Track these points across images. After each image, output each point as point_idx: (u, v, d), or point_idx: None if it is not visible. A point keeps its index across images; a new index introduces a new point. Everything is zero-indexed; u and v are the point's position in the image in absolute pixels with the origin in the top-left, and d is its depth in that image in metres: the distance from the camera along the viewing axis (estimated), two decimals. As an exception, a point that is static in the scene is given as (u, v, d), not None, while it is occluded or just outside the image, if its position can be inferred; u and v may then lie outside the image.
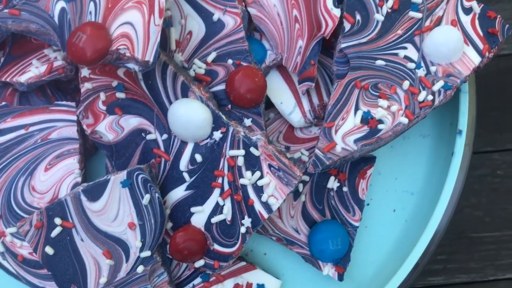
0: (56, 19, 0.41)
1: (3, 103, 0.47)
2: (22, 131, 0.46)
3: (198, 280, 0.45)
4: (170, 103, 0.43)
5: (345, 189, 0.46)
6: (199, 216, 0.42)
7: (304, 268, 0.46)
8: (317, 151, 0.41)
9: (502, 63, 0.72)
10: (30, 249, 0.44)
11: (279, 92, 0.47)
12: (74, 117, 0.46)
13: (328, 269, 0.45)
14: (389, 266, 0.46)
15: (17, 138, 0.46)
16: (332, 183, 0.45)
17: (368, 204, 0.48)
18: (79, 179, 0.45)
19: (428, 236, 0.45)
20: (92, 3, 0.41)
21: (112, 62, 0.40)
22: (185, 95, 0.42)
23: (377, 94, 0.42)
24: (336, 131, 0.41)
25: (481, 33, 0.44)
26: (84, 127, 0.45)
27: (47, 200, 0.45)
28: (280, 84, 0.47)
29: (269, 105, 0.47)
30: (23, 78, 0.46)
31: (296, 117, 0.46)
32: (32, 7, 0.42)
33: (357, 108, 0.42)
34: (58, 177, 0.45)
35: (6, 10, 0.42)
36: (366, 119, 0.41)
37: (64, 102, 0.46)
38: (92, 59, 0.38)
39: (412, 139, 0.49)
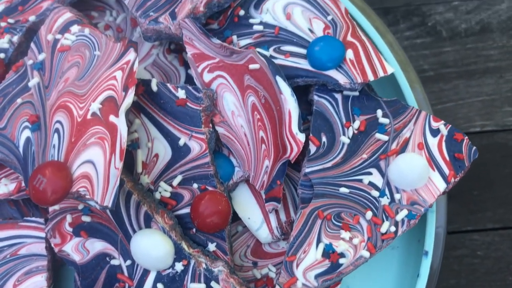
0: (20, 149, 0.42)
1: (-23, 215, 0.48)
2: (-8, 246, 0.47)
3: None
4: (134, 231, 0.43)
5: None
6: None
7: None
8: (277, 287, 0.41)
9: (484, 140, 0.72)
10: None
11: (247, 207, 0.47)
12: (43, 234, 0.46)
13: None
14: None
15: (-14, 253, 0.47)
16: (298, 302, 0.45)
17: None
18: (47, 297, 0.46)
19: None
20: (56, 135, 0.41)
21: (74, 198, 0.40)
22: (148, 224, 0.43)
23: (340, 224, 0.42)
24: (297, 265, 0.41)
25: (447, 158, 0.44)
26: (52, 245, 0.45)
27: (15, 318, 0.45)
28: (248, 199, 0.47)
29: (237, 217, 0.48)
30: (-8, 194, 0.46)
31: (263, 234, 0.47)
32: (-1, 135, 0.43)
33: (319, 241, 0.42)
34: (26, 294, 0.46)
35: (-28, 138, 0.43)
36: (328, 252, 0.41)
37: (33, 218, 0.47)
38: (52, 202, 0.38)
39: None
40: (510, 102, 0.73)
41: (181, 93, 0.44)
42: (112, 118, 0.41)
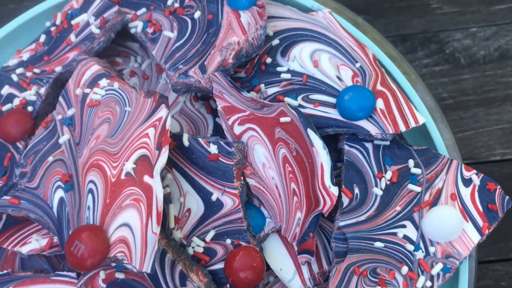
0: (54, 210, 0.42)
1: (5, 271, 0.48)
2: (24, 301, 0.47)
3: None
4: (168, 286, 0.43)
5: None
6: None
7: None
8: None
9: (505, 168, 0.72)
10: None
11: (278, 258, 0.47)
12: (75, 289, 0.46)
13: None
14: None
15: (19, 308, 0.47)
16: None
17: None
18: None
19: None
20: (90, 196, 0.41)
21: (110, 262, 0.40)
22: (183, 283, 0.42)
23: (376, 280, 0.42)
24: (335, 324, 0.41)
25: (480, 209, 0.44)
26: (84, 300, 0.45)
27: None
28: (279, 249, 0.47)
29: (268, 267, 0.47)
30: (24, 250, 0.46)
31: (296, 285, 0.46)
32: (31, 195, 0.43)
33: (355, 298, 0.42)
34: None
35: (6, 198, 0.43)
36: (365, 310, 0.41)
37: (65, 273, 0.46)
38: (90, 267, 0.38)
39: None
40: (532, 131, 0.73)
41: (213, 148, 0.44)
42: (146, 178, 0.41)
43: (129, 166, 0.41)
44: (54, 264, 0.49)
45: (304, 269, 0.46)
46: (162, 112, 0.44)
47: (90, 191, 0.42)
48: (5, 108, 0.49)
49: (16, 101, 0.49)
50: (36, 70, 0.50)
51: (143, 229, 0.39)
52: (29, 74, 0.50)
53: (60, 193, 0.42)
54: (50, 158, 0.43)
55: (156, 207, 0.40)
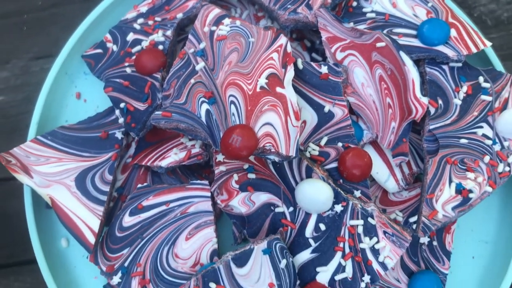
0: (203, 119, 0.51)
1: (145, 183, 0.56)
2: (164, 207, 0.55)
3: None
4: (296, 182, 0.52)
5: (434, 243, 0.55)
6: (323, 275, 0.51)
7: (404, 311, 0.55)
8: (423, 219, 0.50)
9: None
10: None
11: (375, 164, 0.56)
12: (208, 194, 0.55)
13: (427, 311, 0.54)
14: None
15: (160, 213, 0.55)
16: (424, 239, 0.55)
17: (451, 253, 0.57)
18: (216, 246, 0.54)
19: (507, 282, 0.54)
20: (233, 106, 0.50)
21: (257, 154, 0.49)
22: (309, 175, 0.51)
23: (465, 168, 0.52)
24: (436, 201, 0.51)
25: (541, 111, 0.54)
26: (218, 201, 0.54)
27: (190, 265, 0.54)
28: (374, 157, 0.57)
29: (365, 174, 0.57)
30: (163, 163, 0.55)
31: (391, 185, 0.56)
32: (180, 109, 0.51)
33: (450, 181, 0.51)
34: (198, 245, 0.54)
35: (158, 113, 0.51)
36: (459, 189, 0.51)
37: (198, 181, 0.55)
38: (246, 156, 0.47)
39: (483, 198, 0.59)
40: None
41: (324, 69, 0.54)
42: (279, 89, 0.50)
43: (262, 81, 0.51)
44: (182, 179, 0.58)
45: (397, 171, 0.56)
46: (282, 40, 0.53)
47: (232, 102, 0.51)
48: (134, 50, 0.58)
49: (146, 43, 0.58)
50: (157, 18, 0.59)
51: (284, 125, 0.48)
52: (150, 22, 0.59)
53: (205, 106, 0.51)
54: (192, 80, 0.52)
55: (292, 108, 0.49)
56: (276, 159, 0.49)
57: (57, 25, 0.92)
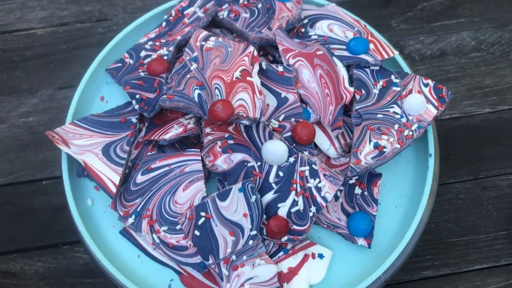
0: (196, 99, 0.72)
1: (153, 152, 0.77)
2: (167, 168, 0.75)
3: (281, 253, 0.72)
4: (262, 143, 0.73)
5: (365, 193, 0.75)
6: (282, 209, 0.71)
7: (344, 243, 0.74)
8: (351, 165, 0.71)
9: (454, 123, 1.06)
10: (177, 239, 0.71)
11: (319, 137, 0.78)
12: (199, 158, 0.75)
13: (361, 241, 0.73)
14: (396, 239, 0.75)
15: (164, 172, 0.75)
16: (357, 190, 0.75)
17: (380, 204, 0.77)
18: (205, 194, 0.73)
19: (415, 222, 0.74)
20: (217, 90, 0.72)
21: (233, 120, 0.70)
22: (271, 138, 0.73)
23: (380, 132, 0.74)
24: (360, 153, 0.72)
25: (435, 97, 0.77)
26: (207, 162, 0.74)
27: (186, 208, 0.73)
28: (319, 132, 0.78)
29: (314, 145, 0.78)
30: (167, 136, 0.76)
31: (331, 152, 0.77)
32: (179, 94, 0.73)
33: (370, 140, 0.73)
34: (192, 193, 0.73)
35: (164, 96, 0.73)
36: (376, 146, 0.72)
37: (192, 149, 0.76)
38: (225, 118, 0.68)
39: (401, 163, 0.79)
40: (467, 99, 1.08)
41: (280, 68, 0.77)
42: (248, 78, 0.73)
43: (237, 74, 0.73)
44: (180, 151, 0.78)
45: (335, 142, 0.77)
46: (250, 48, 0.77)
47: (216, 88, 0.73)
48: (146, 61, 0.81)
49: (154, 56, 0.81)
50: (163, 40, 0.83)
51: (252, 99, 0.70)
52: (157, 43, 0.83)
53: (197, 91, 0.73)
54: (188, 76, 0.75)
55: (257, 88, 0.71)
56: (248, 123, 0.70)
57: (77, 63, 1.16)
